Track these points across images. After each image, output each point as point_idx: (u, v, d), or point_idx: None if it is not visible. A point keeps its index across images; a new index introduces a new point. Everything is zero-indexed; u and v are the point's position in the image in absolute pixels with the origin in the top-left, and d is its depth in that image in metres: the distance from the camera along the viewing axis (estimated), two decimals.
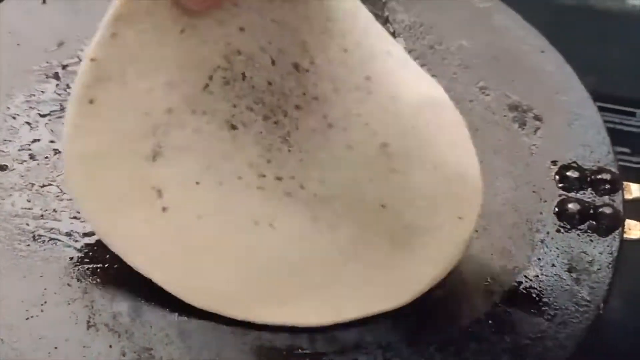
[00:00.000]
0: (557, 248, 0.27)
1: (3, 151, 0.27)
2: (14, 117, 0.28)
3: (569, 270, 0.27)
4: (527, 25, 0.37)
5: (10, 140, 0.28)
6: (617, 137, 0.32)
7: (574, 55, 0.35)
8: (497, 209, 0.28)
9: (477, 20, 0.37)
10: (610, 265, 0.27)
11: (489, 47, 0.36)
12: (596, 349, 0.27)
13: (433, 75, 0.34)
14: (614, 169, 0.30)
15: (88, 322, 0.24)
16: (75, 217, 0.26)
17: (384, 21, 0.36)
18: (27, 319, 0.23)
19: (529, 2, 0.38)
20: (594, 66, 0.36)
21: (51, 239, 0.25)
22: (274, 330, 0.24)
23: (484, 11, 0.37)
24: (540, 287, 0.27)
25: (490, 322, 0.26)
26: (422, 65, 0.34)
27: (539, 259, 0.27)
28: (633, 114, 0.42)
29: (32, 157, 0.27)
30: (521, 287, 0.27)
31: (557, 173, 0.30)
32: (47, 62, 0.30)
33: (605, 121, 0.32)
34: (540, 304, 0.26)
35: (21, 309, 0.24)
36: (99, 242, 0.25)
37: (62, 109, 0.29)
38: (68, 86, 0.30)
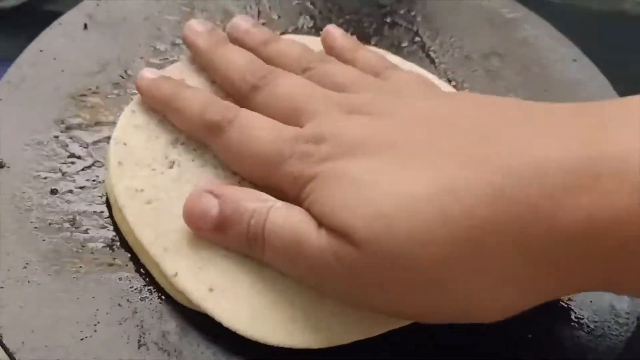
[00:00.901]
0: None
1: (53, 176, 0.28)
2: (64, 143, 0.29)
3: None
4: (558, 34, 0.37)
5: (60, 164, 0.29)
6: None
7: (607, 64, 0.35)
8: None
9: (507, 31, 0.37)
10: None
11: (520, 57, 0.36)
12: None
13: (465, 87, 0.34)
14: None
15: (139, 341, 0.25)
16: (124, 243, 0.27)
17: (415, 34, 0.36)
18: (81, 339, 0.24)
19: (560, 10, 0.38)
20: (628, 75, 0.36)
21: (102, 262, 0.26)
22: (318, 354, 0.24)
23: (514, 21, 0.38)
24: (579, 300, 0.27)
25: (530, 336, 0.26)
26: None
27: None
28: None
29: (81, 181, 0.28)
30: (561, 301, 0.27)
31: None
32: (91, 86, 0.31)
33: None
34: (580, 317, 0.27)
35: (76, 330, 0.24)
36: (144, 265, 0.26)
37: None
38: None
